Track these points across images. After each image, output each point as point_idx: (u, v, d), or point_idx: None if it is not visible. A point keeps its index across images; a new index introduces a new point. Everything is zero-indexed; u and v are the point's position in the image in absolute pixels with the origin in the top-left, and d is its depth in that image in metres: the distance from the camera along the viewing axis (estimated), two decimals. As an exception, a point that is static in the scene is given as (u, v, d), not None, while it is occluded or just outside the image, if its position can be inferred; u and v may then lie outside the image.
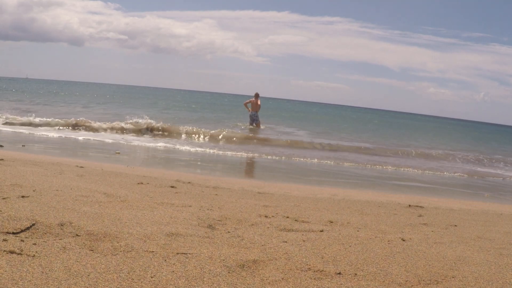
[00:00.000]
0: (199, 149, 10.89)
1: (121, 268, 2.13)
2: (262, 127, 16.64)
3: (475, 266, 2.70)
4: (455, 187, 8.87)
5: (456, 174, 10.83)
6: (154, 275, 2.09)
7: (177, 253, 2.42)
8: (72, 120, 13.73)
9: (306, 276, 2.28)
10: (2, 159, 5.28)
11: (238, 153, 10.63)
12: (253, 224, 3.26)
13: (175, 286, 2.01)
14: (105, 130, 13.13)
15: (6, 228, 2.50)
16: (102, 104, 28.11)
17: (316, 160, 10.69)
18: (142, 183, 4.70)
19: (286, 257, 2.53)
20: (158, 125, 14.09)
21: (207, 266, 2.28)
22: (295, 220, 3.56)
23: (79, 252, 2.27)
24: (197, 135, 13.74)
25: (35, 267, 2.03)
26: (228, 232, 2.99)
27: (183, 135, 13.59)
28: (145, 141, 11.67)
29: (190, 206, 3.71)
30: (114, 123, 13.73)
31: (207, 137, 13.55)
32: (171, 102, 39.27)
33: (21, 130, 11.78)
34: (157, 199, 3.84)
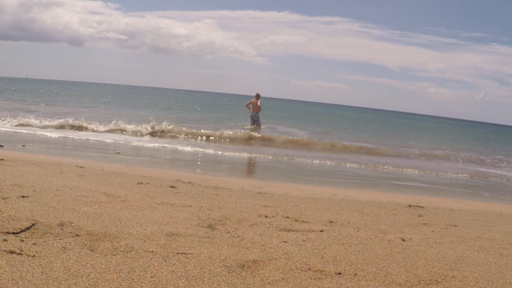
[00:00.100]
0: (199, 149, 10.89)
1: (121, 268, 2.13)
2: (262, 127, 16.67)
3: (475, 266, 2.70)
4: (455, 187, 8.87)
5: (459, 175, 10.80)
6: (154, 275, 2.09)
7: (177, 253, 2.42)
8: (112, 125, 13.49)
9: (306, 276, 2.28)
10: (2, 159, 5.28)
11: (238, 153, 10.64)
12: (253, 224, 3.26)
13: (175, 286, 2.01)
14: (133, 133, 13.07)
15: (6, 228, 2.50)
16: (104, 104, 28.18)
17: (316, 160, 10.69)
18: (142, 183, 4.70)
19: (286, 257, 2.53)
20: (170, 127, 13.86)
21: (207, 266, 2.28)
22: (295, 220, 3.56)
23: (79, 252, 2.27)
24: (197, 135, 13.73)
25: (35, 267, 2.03)
26: (228, 232, 2.99)
27: (183, 135, 13.59)
28: (146, 141, 11.67)
29: (190, 206, 3.71)
30: (140, 127, 13.57)
31: (207, 137, 13.55)
32: (172, 102, 39.30)
33: (25, 131, 11.78)
34: (157, 199, 3.84)
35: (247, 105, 16.49)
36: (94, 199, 3.52)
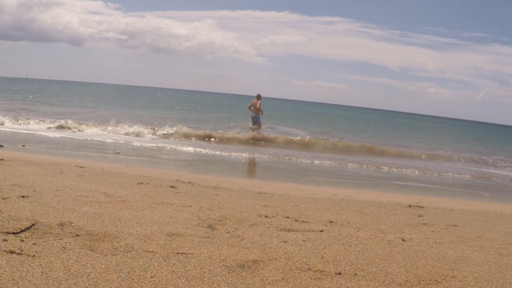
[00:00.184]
0: (199, 149, 10.89)
1: (121, 268, 2.13)
2: (263, 126, 16.69)
3: (475, 266, 2.70)
4: (455, 187, 8.87)
5: (459, 175, 10.79)
6: (154, 275, 2.09)
7: (177, 253, 2.42)
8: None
9: (306, 276, 2.28)
10: (2, 159, 5.28)
11: (238, 153, 10.64)
12: (253, 224, 3.26)
13: (175, 286, 2.01)
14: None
15: (6, 228, 2.50)
16: (107, 103, 28.22)
17: (316, 160, 10.69)
18: (142, 183, 4.70)
19: (286, 257, 2.53)
20: (173, 130, 13.75)
21: (207, 266, 2.28)
22: (295, 220, 3.56)
23: (79, 252, 2.27)
24: (197, 135, 13.73)
25: (35, 267, 2.03)
26: (228, 232, 2.99)
27: (183, 135, 13.58)
28: (146, 142, 11.67)
29: (190, 206, 3.71)
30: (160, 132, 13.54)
31: (207, 137, 13.54)
32: (173, 103, 39.31)
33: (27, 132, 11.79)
34: (157, 199, 3.84)
35: (249, 107, 16.52)
36: (94, 199, 3.52)
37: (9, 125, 12.60)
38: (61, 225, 2.66)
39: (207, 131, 14.15)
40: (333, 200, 4.95)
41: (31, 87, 49.03)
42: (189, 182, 5.20)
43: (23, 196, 3.26)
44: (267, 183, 6.21)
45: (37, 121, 13.54)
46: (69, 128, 12.96)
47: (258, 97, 16.20)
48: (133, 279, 2.02)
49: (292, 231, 3.19)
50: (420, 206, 4.97)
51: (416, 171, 10.53)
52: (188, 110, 29.16)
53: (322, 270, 2.38)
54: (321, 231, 3.25)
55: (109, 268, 2.12)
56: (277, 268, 2.35)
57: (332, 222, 3.62)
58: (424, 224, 3.93)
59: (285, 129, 18.89)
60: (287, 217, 3.66)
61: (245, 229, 3.10)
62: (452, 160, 14.15)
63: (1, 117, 13.36)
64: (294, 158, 10.63)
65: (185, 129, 14.11)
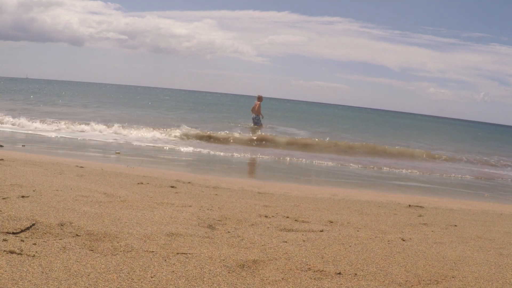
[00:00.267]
0: (199, 149, 10.89)
1: (121, 268, 2.13)
2: (263, 127, 16.70)
3: (475, 266, 2.70)
4: (455, 187, 8.87)
5: (459, 175, 10.78)
6: (154, 275, 2.09)
7: (177, 253, 2.42)
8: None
9: (306, 276, 2.28)
10: (2, 159, 5.28)
11: (238, 153, 10.64)
12: (253, 224, 3.26)
13: (175, 286, 2.01)
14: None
15: (6, 228, 2.50)
16: (108, 104, 28.22)
17: (316, 160, 10.69)
18: (142, 183, 4.70)
19: (286, 257, 2.53)
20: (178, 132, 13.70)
21: (207, 266, 2.28)
22: (295, 220, 3.56)
23: (79, 252, 2.28)
24: (197, 136, 13.72)
25: (35, 267, 2.03)
26: (228, 232, 2.99)
27: (183, 136, 13.57)
28: (146, 142, 11.67)
29: (190, 206, 3.71)
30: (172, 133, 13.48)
31: (207, 138, 13.54)
32: (173, 103, 39.30)
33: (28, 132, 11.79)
34: (157, 199, 3.84)
35: (252, 110, 16.57)
36: (94, 199, 3.52)
37: (9, 125, 12.60)
38: (61, 225, 2.66)
39: (207, 131, 14.13)
40: (333, 200, 4.95)
41: (32, 87, 49.02)
42: (189, 182, 5.20)
43: (23, 196, 3.26)
44: (267, 183, 6.22)
45: (39, 121, 13.53)
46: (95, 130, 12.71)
47: (259, 98, 16.20)
48: (133, 279, 2.02)
49: (292, 231, 3.19)
50: (420, 206, 4.97)
51: (416, 171, 10.53)
52: (189, 110, 29.17)
53: (322, 270, 2.38)
54: (321, 231, 3.25)
55: (109, 268, 2.12)
56: (277, 268, 2.35)
57: (332, 222, 3.62)
58: (424, 224, 3.93)
59: (285, 129, 18.89)
60: (287, 217, 3.66)
61: (245, 229, 3.10)
62: (452, 160, 14.14)
63: (4, 117, 13.37)
64: (294, 158, 10.63)
65: (194, 131, 13.90)
